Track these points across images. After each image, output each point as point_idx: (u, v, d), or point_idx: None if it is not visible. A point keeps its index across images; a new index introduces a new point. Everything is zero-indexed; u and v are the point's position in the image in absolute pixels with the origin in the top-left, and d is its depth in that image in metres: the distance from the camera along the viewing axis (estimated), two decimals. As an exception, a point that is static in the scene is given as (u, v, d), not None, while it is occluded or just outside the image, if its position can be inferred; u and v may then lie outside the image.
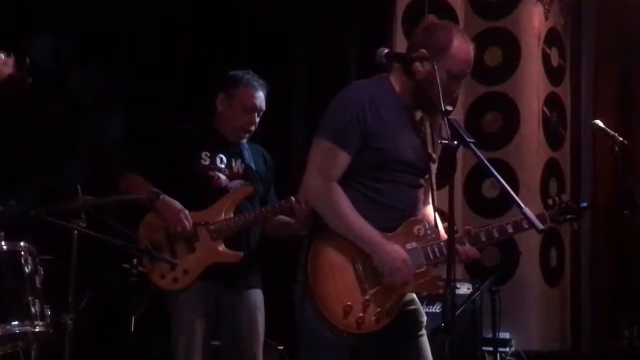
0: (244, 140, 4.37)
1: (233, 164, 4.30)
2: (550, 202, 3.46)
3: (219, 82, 4.39)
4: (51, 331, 4.05)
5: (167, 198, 4.14)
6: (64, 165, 5.53)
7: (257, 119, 4.33)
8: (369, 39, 6.31)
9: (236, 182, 4.27)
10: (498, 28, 7.03)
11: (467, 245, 3.32)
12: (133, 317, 4.74)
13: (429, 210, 3.41)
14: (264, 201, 4.35)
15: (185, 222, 4.10)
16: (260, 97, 4.30)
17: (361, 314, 3.16)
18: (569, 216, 3.42)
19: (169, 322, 4.96)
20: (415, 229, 3.27)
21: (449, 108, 3.12)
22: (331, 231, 3.19)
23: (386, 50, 3.24)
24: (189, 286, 4.10)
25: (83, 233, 4.48)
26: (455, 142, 3.00)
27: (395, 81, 3.30)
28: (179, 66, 6.02)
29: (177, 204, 4.13)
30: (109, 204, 4.96)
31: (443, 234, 3.37)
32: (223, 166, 4.27)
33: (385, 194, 3.24)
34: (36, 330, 3.94)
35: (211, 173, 4.23)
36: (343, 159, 3.20)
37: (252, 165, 4.34)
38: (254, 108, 4.28)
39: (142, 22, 5.84)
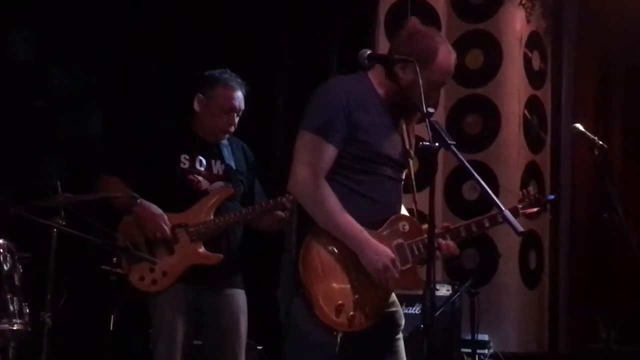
0: (223, 140, 4.33)
1: (212, 166, 4.24)
2: (520, 195, 3.52)
3: (196, 82, 4.32)
4: (29, 329, 4.03)
5: (145, 203, 4.08)
6: (44, 162, 5.50)
7: (237, 119, 4.27)
8: (351, 41, 6.31)
9: (217, 184, 4.22)
10: (480, 31, 7.06)
11: (449, 239, 3.33)
12: (112, 316, 4.73)
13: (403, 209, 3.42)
14: (248, 198, 4.31)
15: (165, 227, 4.05)
16: (239, 97, 4.22)
17: (352, 312, 3.16)
18: (536, 209, 3.49)
19: (148, 322, 4.95)
20: (400, 226, 3.28)
21: (431, 110, 3.12)
22: (321, 228, 3.19)
23: (369, 52, 3.25)
24: (168, 288, 4.06)
25: (62, 231, 4.47)
26: (437, 144, 3.01)
27: (375, 79, 3.31)
28: (159, 63, 6.00)
29: (156, 209, 4.08)
30: (89, 202, 4.93)
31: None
32: (202, 169, 4.21)
33: (369, 187, 3.25)
34: (14, 328, 3.93)
35: (191, 177, 4.17)
36: (330, 152, 3.19)
37: (233, 165, 4.29)
38: (233, 109, 4.20)
39: (124, 19, 5.81)
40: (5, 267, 3.96)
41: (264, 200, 4.25)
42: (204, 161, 4.22)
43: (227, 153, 4.29)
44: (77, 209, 4.54)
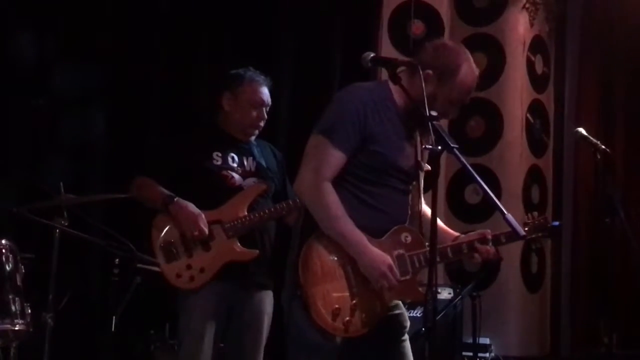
0: (252, 138, 4.35)
1: (245, 162, 4.27)
2: (526, 218, 3.48)
3: (222, 81, 4.36)
4: (31, 330, 4.03)
5: (182, 202, 4.08)
6: (46, 163, 5.50)
7: (265, 114, 4.31)
8: (355, 43, 6.32)
9: (249, 180, 4.24)
10: (483, 34, 7.06)
11: (490, 245, 3.32)
12: (114, 317, 4.74)
13: (426, 213, 3.40)
14: (280, 197, 4.31)
15: (203, 227, 4.06)
16: (265, 92, 4.29)
17: (348, 318, 3.16)
18: (540, 234, 3.46)
19: (150, 324, 4.96)
20: (402, 237, 3.27)
21: (434, 113, 3.11)
22: (323, 231, 3.19)
23: (372, 55, 3.24)
24: (206, 285, 4.05)
25: (65, 232, 4.48)
26: (439, 147, 3.01)
27: (394, 88, 3.29)
28: (162, 63, 6.01)
29: (193, 208, 4.08)
30: (91, 203, 4.95)
31: (451, 232, 3.40)
32: (235, 165, 4.23)
33: (376, 197, 3.24)
34: (16, 328, 3.92)
35: (224, 172, 4.19)
36: (338, 158, 3.19)
37: (263, 162, 4.31)
38: (262, 103, 4.27)
39: (126, 18, 5.82)
40: (8, 268, 3.96)
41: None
42: (236, 158, 4.25)
43: (257, 151, 4.33)
44: (79, 210, 4.55)
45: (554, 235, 3.53)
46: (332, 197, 3.16)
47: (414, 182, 3.33)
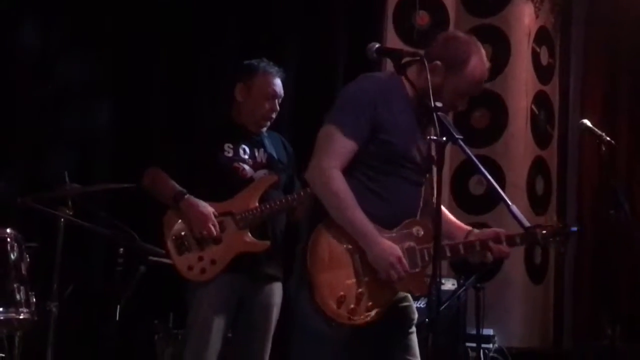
0: (264, 130, 4.35)
1: (256, 154, 4.27)
2: (542, 221, 3.43)
3: (235, 72, 4.36)
4: (36, 318, 4.04)
5: (192, 199, 4.08)
6: (51, 152, 5.51)
7: (277, 106, 4.30)
8: (360, 35, 6.31)
9: (260, 172, 4.23)
10: (488, 25, 7.04)
11: (504, 244, 3.29)
12: (118, 306, 4.75)
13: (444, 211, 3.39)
14: (289, 190, 4.31)
15: (211, 227, 4.05)
16: (279, 83, 4.28)
17: (353, 306, 3.16)
18: (558, 238, 3.40)
19: (154, 313, 4.97)
20: (414, 230, 3.26)
21: (439, 104, 3.11)
22: (333, 219, 3.19)
23: (377, 45, 3.23)
24: (217, 276, 4.05)
25: (69, 221, 4.49)
26: (444, 138, 3.01)
27: (407, 81, 3.28)
28: (166, 54, 6.01)
29: (203, 207, 4.07)
30: (96, 193, 4.95)
31: (463, 227, 3.40)
32: (247, 157, 4.23)
33: (387, 188, 3.24)
34: (21, 317, 3.94)
35: (236, 164, 4.19)
36: (349, 147, 3.19)
37: (274, 154, 4.31)
38: (274, 94, 4.26)
39: (131, 9, 5.82)
40: (13, 257, 3.97)
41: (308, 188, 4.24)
42: (247, 149, 4.25)
43: (268, 143, 4.33)
44: (84, 200, 4.56)
45: (571, 239, 3.44)
46: (342, 185, 3.17)
47: (427, 175, 3.32)
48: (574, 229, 3.47)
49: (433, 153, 3.28)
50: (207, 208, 4.08)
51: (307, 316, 3.18)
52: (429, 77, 3.11)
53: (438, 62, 3.23)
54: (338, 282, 3.16)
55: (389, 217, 3.23)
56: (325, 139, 3.22)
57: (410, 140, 3.24)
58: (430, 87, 3.09)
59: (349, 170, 3.21)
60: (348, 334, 3.18)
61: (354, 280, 3.18)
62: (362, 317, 3.17)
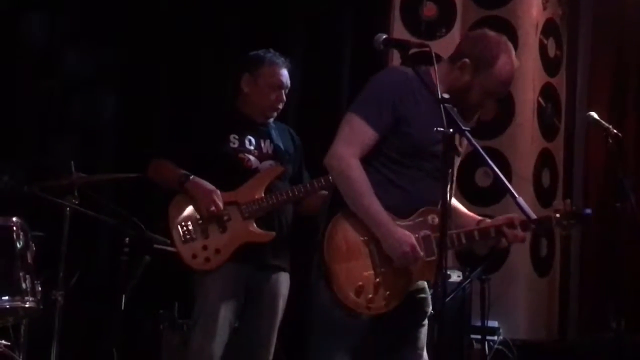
0: (271, 120, 4.35)
1: (262, 145, 4.27)
2: (556, 205, 3.42)
3: (241, 63, 4.36)
4: (41, 307, 4.06)
5: (197, 179, 4.10)
6: (57, 142, 5.52)
7: (284, 97, 4.30)
8: (366, 26, 6.29)
9: (266, 163, 4.24)
10: (496, 17, 7.00)
11: (519, 229, 3.29)
12: (123, 296, 4.77)
13: (456, 203, 3.40)
14: (296, 181, 4.31)
15: (218, 202, 4.06)
16: (285, 74, 4.29)
17: (371, 295, 3.18)
18: (572, 221, 3.40)
19: (159, 302, 4.98)
20: (429, 218, 3.27)
21: (446, 96, 3.10)
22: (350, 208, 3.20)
23: (384, 36, 3.22)
24: (221, 266, 4.06)
25: (75, 210, 4.50)
26: (451, 130, 3.00)
27: (433, 75, 3.26)
28: (172, 45, 6.00)
29: (208, 185, 4.09)
30: (102, 182, 4.96)
31: (474, 216, 3.41)
32: (252, 148, 4.24)
33: (405, 178, 3.26)
34: (26, 305, 3.95)
35: (241, 155, 4.21)
36: (370, 136, 3.22)
37: (281, 145, 4.32)
38: (281, 85, 4.26)
39: (137, 1, 5.82)
40: (19, 245, 3.99)
41: (315, 180, 4.25)
42: (253, 140, 4.26)
43: (275, 134, 4.33)
44: (90, 189, 4.57)
45: (585, 223, 3.44)
46: (359, 173, 3.19)
47: (450, 169, 3.31)
48: (588, 211, 3.46)
49: (457, 144, 3.27)
50: (212, 186, 4.09)
51: (326, 307, 3.21)
52: (435, 68, 3.12)
53: (467, 60, 3.24)
54: (356, 272, 3.18)
55: (404, 205, 3.25)
56: (346, 127, 3.25)
57: (433, 133, 3.24)
58: (437, 79, 3.09)
59: (369, 160, 3.23)
60: (366, 323, 3.19)
61: (371, 270, 3.20)
62: (380, 306, 3.19)
